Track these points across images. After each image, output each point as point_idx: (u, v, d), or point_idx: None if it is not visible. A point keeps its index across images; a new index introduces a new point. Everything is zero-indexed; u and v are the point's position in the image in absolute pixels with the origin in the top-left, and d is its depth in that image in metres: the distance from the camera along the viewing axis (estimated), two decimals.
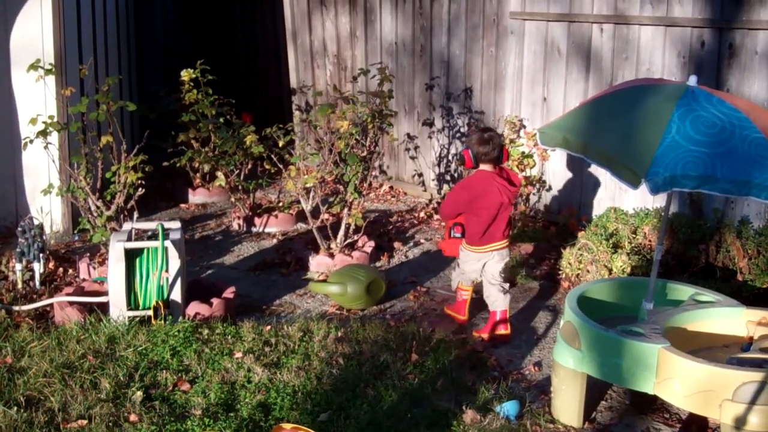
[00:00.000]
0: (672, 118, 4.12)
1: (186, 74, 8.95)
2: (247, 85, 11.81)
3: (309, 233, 7.59)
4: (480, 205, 5.67)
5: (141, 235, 6.18)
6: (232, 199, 8.41)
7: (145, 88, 11.25)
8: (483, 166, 5.74)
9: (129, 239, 5.82)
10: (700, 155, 4.03)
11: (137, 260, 5.75)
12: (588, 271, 6.44)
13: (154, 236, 5.91)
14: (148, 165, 6.69)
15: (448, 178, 8.98)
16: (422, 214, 8.60)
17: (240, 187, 8.28)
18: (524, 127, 8.07)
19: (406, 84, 9.23)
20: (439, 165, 9.06)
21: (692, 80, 4.41)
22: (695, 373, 4.13)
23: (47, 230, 7.72)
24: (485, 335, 5.78)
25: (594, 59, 7.50)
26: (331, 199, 7.64)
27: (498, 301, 5.80)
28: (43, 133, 6.42)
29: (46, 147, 6.55)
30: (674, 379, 4.20)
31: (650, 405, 4.89)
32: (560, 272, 6.78)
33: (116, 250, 5.65)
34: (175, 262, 5.73)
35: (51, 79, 7.31)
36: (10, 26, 7.48)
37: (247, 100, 10.91)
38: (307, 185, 6.83)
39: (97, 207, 6.63)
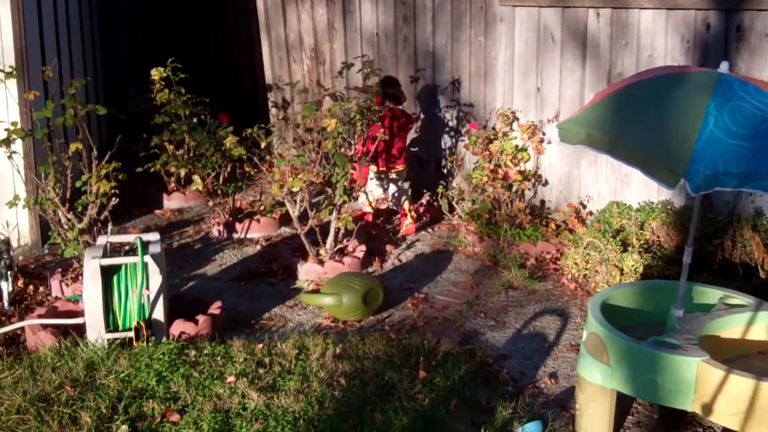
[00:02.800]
0: (708, 109, 3.73)
1: (156, 73, 8.47)
2: (220, 82, 11.31)
3: (295, 238, 7.16)
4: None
5: (117, 248, 5.72)
6: (210, 204, 7.95)
7: (113, 88, 10.71)
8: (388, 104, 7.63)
9: (104, 255, 5.36)
10: (741, 150, 3.64)
11: (115, 277, 5.28)
12: (597, 272, 6.07)
13: (131, 250, 5.45)
14: (120, 172, 6.21)
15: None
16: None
17: (219, 191, 7.82)
18: (517, 119, 7.67)
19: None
20: (428, 161, 8.64)
21: (723, 67, 4.03)
22: (741, 389, 3.76)
23: (14, 244, 7.21)
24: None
25: (591, 46, 7.12)
26: (316, 200, 7.22)
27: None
28: (6, 142, 5.92)
29: (10, 156, 6.04)
30: (717, 395, 3.82)
31: (680, 418, 4.53)
32: (565, 273, 6.41)
33: (91, 267, 5.17)
34: (156, 278, 5.27)
35: (12, 83, 6.81)
36: None
37: (220, 98, 10.42)
38: (294, 189, 6.38)
39: (68, 219, 6.15)
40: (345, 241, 6.87)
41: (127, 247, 5.52)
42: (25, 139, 6.46)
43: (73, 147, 5.93)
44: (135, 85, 9.35)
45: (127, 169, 6.69)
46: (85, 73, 9.37)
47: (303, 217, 6.80)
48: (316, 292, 6.00)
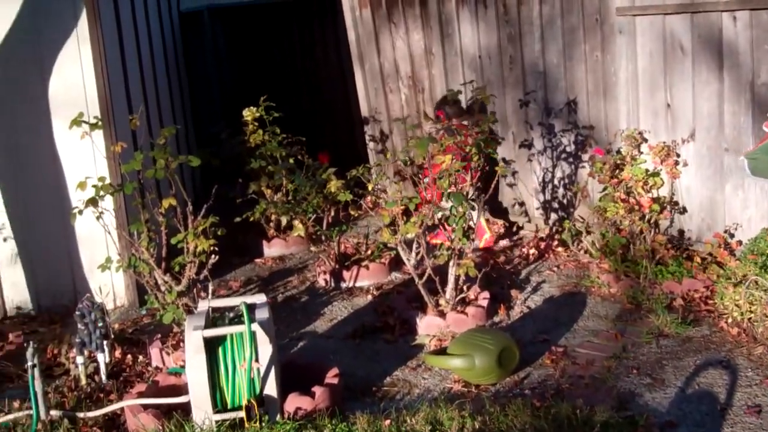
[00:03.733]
0: None
1: (249, 113, 8.00)
2: (313, 117, 10.78)
3: (409, 285, 6.54)
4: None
5: (220, 312, 5.16)
6: (313, 249, 7.37)
7: (204, 132, 10.29)
8: (454, 121, 7.49)
9: (207, 323, 4.79)
10: None
11: (220, 349, 4.70)
12: (767, 316, 5.24)
13: (237, 318, 4.88)
14: (219, 226, 5.65)
15: (555, 205, 7.84)
16: (532, 250, 7.46)
17: (323, 237, 7.23)
18: (646, 140, 6.90)
19: (497, 101, 8.09)
20: (543, 191, 7.92)
21: None
22: None
23: (110, 306, 6.79)
24: None
25: (728, 54, 6.31)
26: (433, 241, 6.56)
27: None
28: (93, 202, 5.41)
29: (99, 217, 5.54)
30: None
31: None
32: (724, 316, 5.60)
33: (194, 340, 4.61)
34: (266, 348, 4.68)
35: (98, 135, 6.37)
36: (47, 74, 6.55)
37: (314, 134, 9.90)
38: (409, 236, 5.73)
39: (165, 282, 5.63)
40: (465, 287, 6.19)
41: (231, 314, 4.94)
42: (115, 195, 5.97)
43: (165, 203, 5.41)
44: (226, 126, 8.86)
45: (224, 217, 6.18)
46: (174, 117, 8.97)
47: (419, 264, 6.13)
48: (441, 352, 5.32)
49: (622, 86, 7.05)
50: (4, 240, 6.74)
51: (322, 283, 7.19)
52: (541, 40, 7.60)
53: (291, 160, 8.00)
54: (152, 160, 5.76)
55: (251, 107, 8.03)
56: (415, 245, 5.92)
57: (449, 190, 5.78)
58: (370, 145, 9.54)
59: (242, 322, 4.70)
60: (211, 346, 4.70)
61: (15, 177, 6.64)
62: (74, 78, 6.57)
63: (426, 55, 8.77)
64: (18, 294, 6.82)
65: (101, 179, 5.76)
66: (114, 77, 6.90)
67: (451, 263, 5.96)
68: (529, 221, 8.14)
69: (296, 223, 7.45)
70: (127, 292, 6.87)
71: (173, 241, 5.75)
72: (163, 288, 5.67)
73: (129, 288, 6.82)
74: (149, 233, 5.62)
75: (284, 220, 7.33)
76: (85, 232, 6.66)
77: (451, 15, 8.35)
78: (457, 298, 6.00)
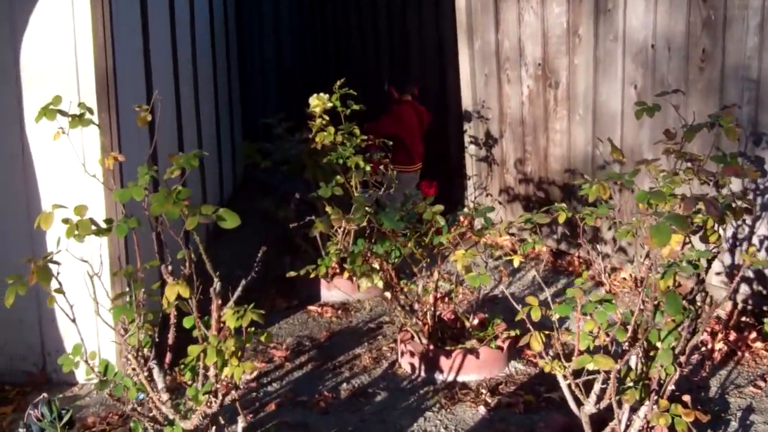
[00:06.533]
0: None
1: (317, 102, 5.70)
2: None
3: (536, 390, 4.25)
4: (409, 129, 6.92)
5: None
6: (396, 310, 4.98)
7: (253, 120, 7.93)
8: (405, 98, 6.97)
9: None
10: None
11: None
12: None
13: None
14: (263, 327, 3.28)
15: (750, 273, 5.40)
16: (718, 344, 5.05)
17: (412, 306, 4.87)
18: None
19: (671, 113, 5.61)
20: (732, 251, 5.47)
21: None
22: None
23: (91, 376, 4.55)
24: None
25: None
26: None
27: None
28: (43, 275, 3.05)
29: (59, 289, 3.22)
30: None
31: None
32: None
33: None
34: None
35: (92, 132, 4.09)
36: (19, 31, 4.25)
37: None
38: (590, 367, 3.30)
39: (167, 413, 3.30)
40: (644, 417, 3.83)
41: None
42: (103, 235, 3.58)
43: (171, 292, 3.03)
44: (282, 118, 6.46)
45: (267, 233, 3.88)
46: (217, 103, 6.60)
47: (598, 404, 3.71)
48: None
49: None
50: None
51: (406, 368, 4.86)
52: (758, 33, 5.10)
53: (367, 167, 5.67)
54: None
55: (321, 94, 5.68)
56: (599, 384, 3.47)
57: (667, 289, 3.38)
58: (471, 148, 7.16)
59: None
60: None
61: None
62: (62, 40, 4.27)
63: (568, 37, 6.31)
64: None
65: (79, 210, 3.39)
66: (124, 42, 4.58)
67: (649, 403, 3.55)
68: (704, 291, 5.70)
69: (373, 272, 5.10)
70: (118, 361, 4.61)
71: (186, 323, 3.42)
72: (161, 418, 3.36)
73: (120, 354, 4.55)
74: (145, 324, 3.29)
75: (363, 283, 4.91)
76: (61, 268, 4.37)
77: None
78: None
